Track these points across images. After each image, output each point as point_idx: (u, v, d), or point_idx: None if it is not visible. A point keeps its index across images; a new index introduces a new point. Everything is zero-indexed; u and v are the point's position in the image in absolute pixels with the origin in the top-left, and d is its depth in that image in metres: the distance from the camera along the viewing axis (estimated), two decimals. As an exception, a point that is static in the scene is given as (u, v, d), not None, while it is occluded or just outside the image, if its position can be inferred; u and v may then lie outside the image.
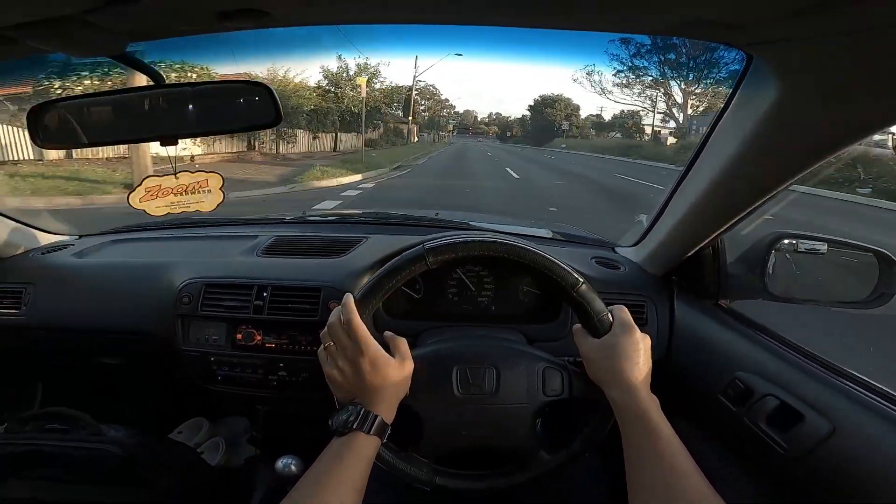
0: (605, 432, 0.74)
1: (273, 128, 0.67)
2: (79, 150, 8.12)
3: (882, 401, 0.64)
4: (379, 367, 0.65)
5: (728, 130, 0.70)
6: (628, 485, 0.62)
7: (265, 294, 1.02)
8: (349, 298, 0.69)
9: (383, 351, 0.67)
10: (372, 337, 0.67)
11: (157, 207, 0.66)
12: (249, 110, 0.67)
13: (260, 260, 1.13)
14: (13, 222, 1.23)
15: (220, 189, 0.70)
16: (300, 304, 1.01)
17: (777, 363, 0.78)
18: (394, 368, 0.67)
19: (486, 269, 1.06)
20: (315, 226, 1.38)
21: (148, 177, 0.65)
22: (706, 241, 0.90)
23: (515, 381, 0.74)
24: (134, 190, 0.65)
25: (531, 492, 0.78)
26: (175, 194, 0.66)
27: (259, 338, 1.02)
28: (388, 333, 0.73)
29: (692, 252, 0.94)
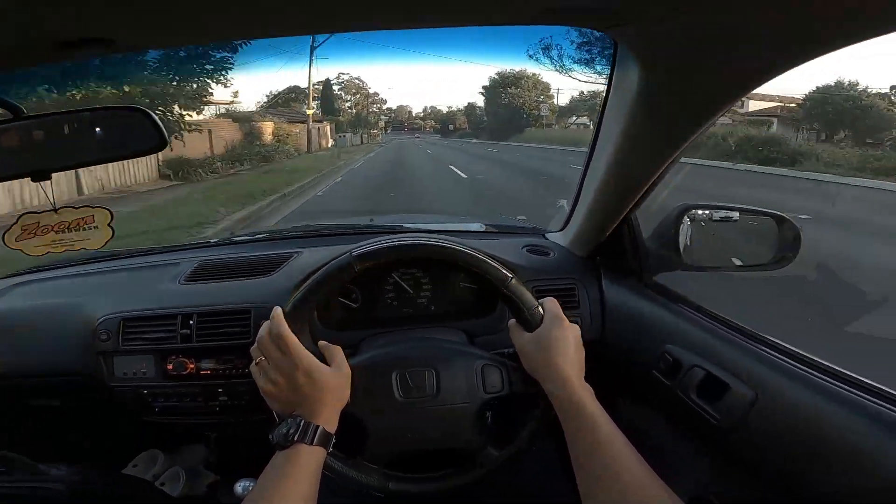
0: (548, 424, 0.75)
1: (159, 152, 0.65)
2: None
3: (802, 367, 0.65)
4: (315, 377, 0.65)
5: (613, 112, 0.72)
6: (576, 475, 0.63)
7: (191, 322, 0.99)
8: (278, 311, 0.68)
9: (317, 360, 0.67)
10: (304, 347, 0.66)
11: (35, 247, 0.62)
12: (129, 136, 0.65)
13: (183, 287, 1.10)
14: None
15: (109, 225, 0.66)
16: (230, 327, 0.99)
17: (700, 334, 0.80)
18: (330, 377, 0.67)
19: (421, 270, 1.05)
20: (242, 246, 1.35)
21: (25, 213, 0.62)
22: (619, 219, 0.92)
23: (455, 381, 0.74)
24: (9, 228, 0.62)
25: (489, 489, 0.78)
26: (56, 231, 0.63)
27: (192, 366, 0.99)
28: (321, 343, 0.73)
29: (610, 231, 0.96)
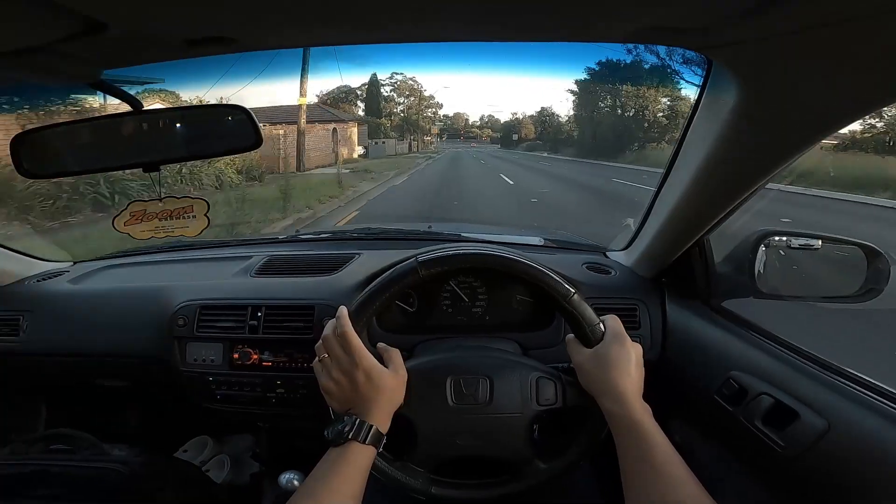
0: (599, 441, 0.74)
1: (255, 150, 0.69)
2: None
3: (876, 396, 0.63)
4: (373, 378, 0.67)
5: (699, 133, 0.71)
6: (625, 494, 0.63)
7: (259, 314, 1.04)
8: (343, 311, 0.70)
9: (377, 362, 0.69)
10: (365, 348, 0.68)
11: (141, 231, 0.67)
12: (229, 134, 0.69)
13: (254, 280, 1.15)
14: (7, 251, 1.27)
15: (205, 215, 0.71)
16: (295, 322, 1.03)
17: (770, 361, 0.77)
18: (388, 378, 0.69)
19: (479, 279, 1.06)
20: (307, 244, 1.40)
21: (134, 201, 0.67)
22: (691, 243, 0.90)
23: (509, 391, 0.75)
24: (119, 214, 0.67)
25: (527, 501, 0.77)
26: (160, 219, 0.68)
27: (256, 357, 1.03)
28: (381, 345, 0.75)
29: (679, 253, 0.94)
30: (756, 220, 0.95)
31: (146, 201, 0.68)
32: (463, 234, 1.35)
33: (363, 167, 12.82)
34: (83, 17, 0.42)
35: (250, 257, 1.25)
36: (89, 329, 1.15)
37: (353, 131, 17.76)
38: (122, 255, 1.42)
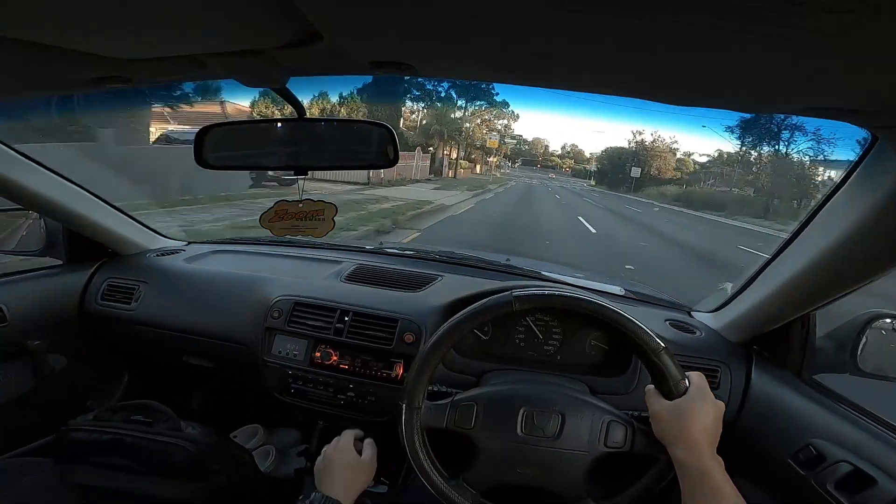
0: (655, 491, 0.75)
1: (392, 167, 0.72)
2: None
3: None
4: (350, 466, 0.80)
5: (842, 207, 0.70)
6: None
7: (346, 318, 1.07)
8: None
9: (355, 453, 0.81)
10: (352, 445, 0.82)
11: (280, 228, 0.72)
12: (372, 149, 0.73)
13: (344, 285, 1.19)
14: (136, 223, 1.35)
15: (333, 218, 0.75)
16: (377, 331, 1.06)
17: (855, 432, 0.77)
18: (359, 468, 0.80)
19: (555, 319, 1.07)
20: (392, 258, 1.44)
21: (280, 200, 0.72)
22: (797, 315, 0.89)
23: (579, 429, 0.76)
24: (266, 211, 0.72)
25: None
26: (297, 219, 0.72)
27: (335, 358, 1.06)
28: (357, 432, 0.87)
29: (781, 324, 0.93)
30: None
31: (290, 201, 0.72)
32: (542, 273, 1.36)
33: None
34: (309, 27, 0.45)
35: (340, 262, 1.30)
36: (193, 307, 1.21)
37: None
38: (229, 241, 1.50)
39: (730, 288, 1.06)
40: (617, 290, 1.31)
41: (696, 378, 0.73)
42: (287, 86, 0.61)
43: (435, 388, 0.86)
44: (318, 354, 1.07)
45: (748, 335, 1.01)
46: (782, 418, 0.89)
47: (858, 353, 0.87)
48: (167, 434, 1.05)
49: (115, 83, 0.60)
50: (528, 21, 0.37)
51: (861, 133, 0.61)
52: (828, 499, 0.71)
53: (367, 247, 1.53)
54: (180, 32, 0.44)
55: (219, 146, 0.69)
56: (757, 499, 0.87)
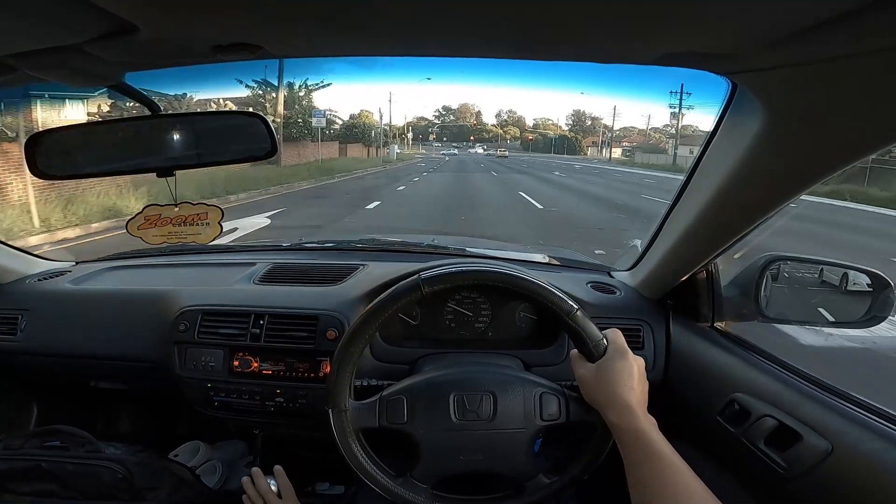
0: (602, 455, 0.75)
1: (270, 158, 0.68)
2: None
3: (880, 420, 0.64)
4: None
5: (716, 157, 0.71)
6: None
7: (262, 322, 1.02)
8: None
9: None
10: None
11: (154, 236, 0.66)
12: (245, 141, 0.68)
13: (257, 287, 1.14)
14: (9, 248, 1.24)
15: (219, 223, 0.70)
16: (297, 331, 1.02)
17: (774, 384, 0.78)
18: None
19: (482, 295, 1.06)
20: (311, 253, 1.39)
21: (150, 205, 0.66)
22: (699, 266, 0.90)
23: (512, 407, 0.75)
24: (133, 217, 0.66)
25: None
26: (173, 224, 0.67)
27: (256, 365, 1.02)
28: (277, 468, 0.91)
29: (686, 276, 0.95)
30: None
31: (162, 206, 0.67)
32: (467, 249, 1.35)
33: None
34: (116, 19, 0.42)
35: (253, 264, 1.24)
36: (88, 331, 1.13)
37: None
38: (124, 256, 1.40)
39: (639, 244, 1.08)
40: (540, 257, 1.32)
41: (614, 335, 0.73)
42: (128, 82, 0.56)
43: (365, 383, 0.84)
44: (236, 363, 1.02)
45: (661, 291, 1.03)
46: (704, 374, 0.91)
47: (761, 298, 0.90)
48: (87, 457, 0.99)
49: None
50: None
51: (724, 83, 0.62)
52: (762, 456, 0.72)
53: (284, 244, 1.47)
54: None
55: (58, 154, 0.63)
56: (695, 460, 0.89)
